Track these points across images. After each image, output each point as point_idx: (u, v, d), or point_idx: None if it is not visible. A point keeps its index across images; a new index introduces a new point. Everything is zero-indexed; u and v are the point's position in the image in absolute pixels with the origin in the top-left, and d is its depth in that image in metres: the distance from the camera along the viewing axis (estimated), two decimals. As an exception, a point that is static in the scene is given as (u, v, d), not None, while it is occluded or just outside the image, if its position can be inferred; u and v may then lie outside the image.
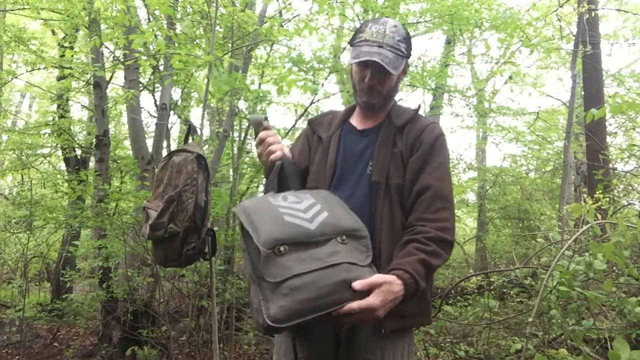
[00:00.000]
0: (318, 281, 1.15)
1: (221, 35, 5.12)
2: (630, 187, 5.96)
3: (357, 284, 1.18)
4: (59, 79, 6.69)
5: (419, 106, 1.64)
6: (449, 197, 1.45)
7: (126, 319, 4.36)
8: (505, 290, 4.73)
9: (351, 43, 1.51)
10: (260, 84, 5.74)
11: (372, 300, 1.18)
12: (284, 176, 1.46)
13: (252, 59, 5.78)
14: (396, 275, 1.25)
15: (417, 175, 1.46)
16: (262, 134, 1.50)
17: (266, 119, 1.54)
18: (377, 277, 1.22)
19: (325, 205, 1.30)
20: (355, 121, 1.63)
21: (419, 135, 1.51)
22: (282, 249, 1.17)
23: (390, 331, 1.37)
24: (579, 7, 5.52)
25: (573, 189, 8.00)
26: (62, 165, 8.15)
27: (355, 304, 1.17)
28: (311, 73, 4.88)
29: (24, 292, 5.14)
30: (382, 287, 1.21)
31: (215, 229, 3.20)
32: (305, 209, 1.27)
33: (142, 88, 5.54)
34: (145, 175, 4.65)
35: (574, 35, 6.31)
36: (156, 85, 5.60)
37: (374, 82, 1.49)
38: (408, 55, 1.52)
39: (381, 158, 1.50)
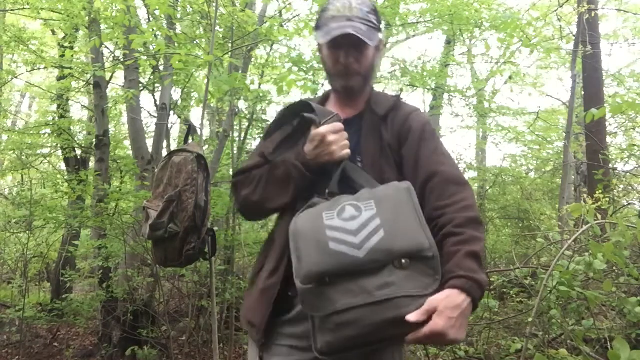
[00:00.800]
0: (364, 319, 1.04)
1: (221, 35, 5.12)
2: (630, 187, 5.97)
3: (412, 317, 1.05)
4: (59, 79, 6.69)
5: (401, 90, 1.51)
6: (460, 179, 1.29)
7: (126, 319, 4.36)
8: (505, 290, 4.73)
9: (317, 26, 1.39)
10: (260, 84, 5.74)
11: (434, 325, 1.04)
12: (349, 175, 1.32)
13: (252, 59, 5.78)
14: (451, 286, 1.10)
15: (416, 165, 1.32)
16: (341, 125, 1.32)
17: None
18: (430, 302, 1.07)
19: (387, 218, 1.12)
20: (333, 108, 1.45)
21: (403, 122, 1.38)
22: (326, 279, 1.07)
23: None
24: (579, 7, 5.52)
25: (573, 189, 8.00)
26: (62, 165, 8.15)
27: (420, 335, 1.05)
28: (311, 73, 4.88)
29: (24, 292, 5.14)
30: (440, 306, 1.06)
31: (215, 229, 3.20)
32: (357, 229, 1.10)
33: (142, 88, 5.55)
34: (145, 175, 4.65)
35: (574, 35, 6.31)
36: (156, 85, 5.60)
37: (350, 60, 1.35)
38: (380, 29, 1.39)
39: (371, 151, 1.36)
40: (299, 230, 1.17)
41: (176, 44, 4.43)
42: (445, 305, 1.06)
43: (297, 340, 1.29)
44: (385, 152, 1.36)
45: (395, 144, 1.37)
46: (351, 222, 1.12)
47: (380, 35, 1.40)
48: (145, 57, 4.35)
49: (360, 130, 1.39)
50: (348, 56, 1.35)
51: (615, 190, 5.30)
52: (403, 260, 1.06)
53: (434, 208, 1.23)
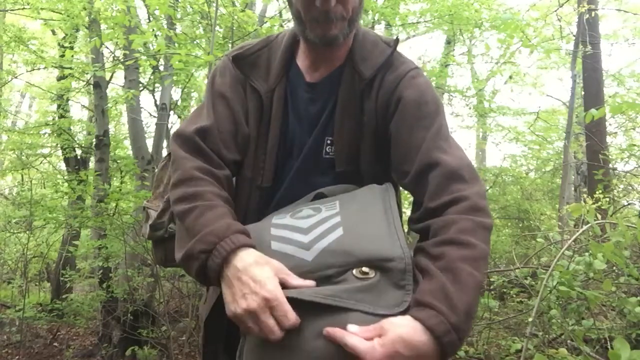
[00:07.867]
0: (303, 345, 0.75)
1: (221, 35, 5.12)
2: (630, 187, 5.97)
3: (353, 327, 0.74)
4: (59, 79, 6.69)
5: (397, 40, 1.08)
6: (467, 171, 0.93)
7: (126, 319, 4.36)
8: (505, 290, 4.73)
9: None
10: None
11: (371, 351, 0.71)
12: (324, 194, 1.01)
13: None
14: (419, 318, 0.75)
15: (409, 151, 0.97)
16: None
17: None
18: (385, 322, 0.75)
19: (350, 217, 0.86)
20: (302, 63, 1.08)
21: (393, 89, 1.01)
22: None
23: None
24: (579, 7, 5.52)
25: (573, 189, 8.01)
26: (62, 165, 8.15)
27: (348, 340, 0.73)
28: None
29: (24, 292, 5.14)
30: (392, 333, 0.73)
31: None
32: (310, 226, 0.85)
33: (142, 88, 5.55)
34: (145, 175, 4.65)
35: (574, 35, 6.31)
36: (156, 85, 5.60)
37: (331, 3, 0.95)
38: None
39: (346, 131, 1.02)
40: None
41: (176, 44, 4.43)
42: (400, 334, 0.73)
43: None
44: (365, 132, 1.03)
45: (380, 119, 1.03)
46: (303, 220, 0.88)
47: None
48: (145, 57, 4.36)
49: (334, 99, 1.03)
50: None
51: (615, 190, 5.31)
52: (365, 269, 0.78)
53: (433, 208, 0.91)
